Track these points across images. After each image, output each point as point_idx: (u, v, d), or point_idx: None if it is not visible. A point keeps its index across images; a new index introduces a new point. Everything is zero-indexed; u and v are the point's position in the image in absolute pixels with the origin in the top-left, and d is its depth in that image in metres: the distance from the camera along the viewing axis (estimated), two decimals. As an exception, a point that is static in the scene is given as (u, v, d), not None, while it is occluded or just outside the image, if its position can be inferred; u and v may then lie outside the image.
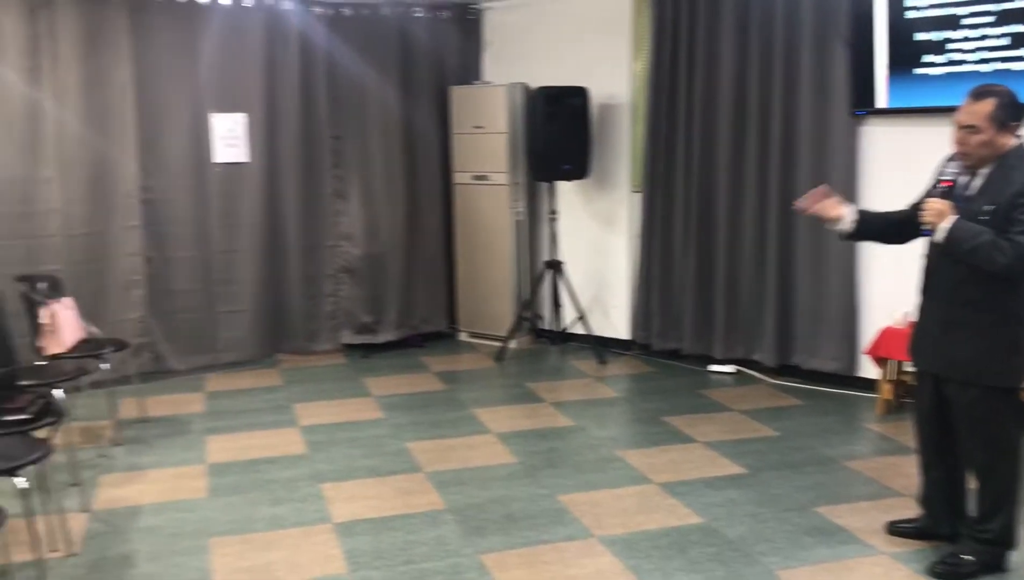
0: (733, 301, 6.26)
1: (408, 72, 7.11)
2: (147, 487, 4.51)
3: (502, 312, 7.12)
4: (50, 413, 3.97)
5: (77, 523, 4.05)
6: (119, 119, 6.11)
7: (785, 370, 6.11)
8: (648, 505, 4.23)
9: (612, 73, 6.72)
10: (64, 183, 5.95)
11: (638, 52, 6.63)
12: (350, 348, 7.10)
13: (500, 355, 6.85)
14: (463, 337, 7.45)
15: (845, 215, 3.68)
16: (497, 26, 7.37)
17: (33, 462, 3.41)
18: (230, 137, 6.53)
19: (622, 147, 6.79)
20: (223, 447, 5.06)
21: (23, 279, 5.19)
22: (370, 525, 4.04)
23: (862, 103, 5.55)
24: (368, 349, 7.06)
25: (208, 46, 6.39)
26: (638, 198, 6.68)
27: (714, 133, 6.22)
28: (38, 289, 5.08)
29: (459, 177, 7.25)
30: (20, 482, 3.33)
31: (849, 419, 5.43)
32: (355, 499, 4.33)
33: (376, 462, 4.82)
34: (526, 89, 6.98)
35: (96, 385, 5.30)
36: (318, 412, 5.66)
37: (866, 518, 4.01)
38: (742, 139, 6.11)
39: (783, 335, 6.06)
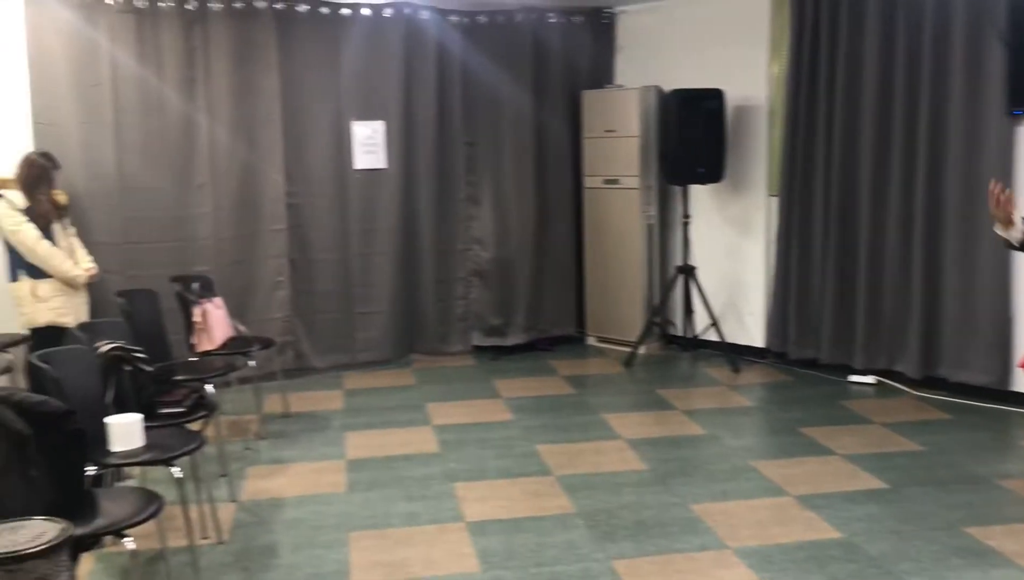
0: (875, 309, 6.02)
1: (541, 77, 7.17)
2: (290, 480, 4.70)
3: (632, 317, 7.07)
4: (203, 407, 4.19)
5: (225, 512, 4.25)
6: (266, 127, 6.39)
7: (930, 382, 5.84)
8: (784, 517, 4.12)
9: (749, 75, 6.58)
10: (215, 188, 6.27)
11: (776, 53, 6.48)
12: (480, 350, 7.20)
13: (629, 360, 6.81)
14: (591, 342, 7.44)
15: (1018, 224, 3.48)
16: (630, 29, 7.33)
17: (187, 453, 3.62)
18: (369, 144, 6.73)
19: (758, 150, 6.64)
20: (361, 443, 5.22)
21: (177, 279, 5.50)
22: (501, 526, 4.09)
23: (1020, 103, 5.25)
24: (497, 351, 7.14)
25: (349, 55, 6.61)
26: (775, 202, 6.53)
27: (856, 135, 6.01)
28: (191, 289, 5.38)
29: (590, 181, 7.25)
30: (176, 471, 3.54)
31: (1001, 435, 5.15)
32: (487, 499, 4.39)
33: (506, 463, 4.87)
34: (659, 92, 6.92)
35: (243, 381, 5.56)
36: (450, 412, 5.76)
37: (1022, 541, 3.79)
38: (886, 141, 5.88)
39: (929, 346, 5.79)
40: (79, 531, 2.62)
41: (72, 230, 5.35)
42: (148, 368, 3.95)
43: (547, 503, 4.33)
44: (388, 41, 6.70)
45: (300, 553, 3.85)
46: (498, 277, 7.17)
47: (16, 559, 2.25)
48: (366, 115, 6.70)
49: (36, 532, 2.38)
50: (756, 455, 4.96)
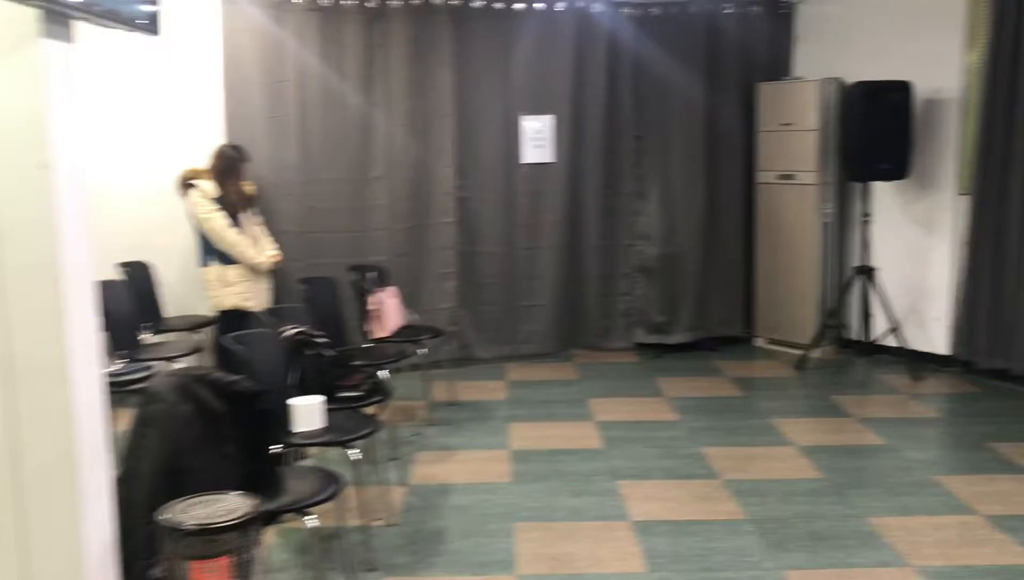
0: (1079, 319, 5.55)
1: (714, 69, 6.98)
2: (457, 467, 4.78)
3: (804, 319, 6.80)
4: (378, 392, 4.32)
5: (396, 495, 4.37)
6: (439, 122, 6.52)
7: None
8: (973, 538, 3.85)
9: (939, 66, 6.19)
10: (390, 181, 6.45)
11: (972, 42, 6.06)
12: (642, 347, 7.10)
13: (801, 364, 6.55)
14: (759, 343, 7.21)
15: None
16: (810, 19, 7.04)
17: (366, 436, 3.73)
18: (537, 138, 6.76)
19: (948, 146, 6.24)
20: (524, 435, 5.25)
21: (354, 269, 5.70)
22: (668, 527, 4.01)
23: None
24: (660, 349, 7.03)
25: (521, 50, 6.65)
26: (965, 201, 6.12)
27: (1063, 129, 5.55)
28: (367, 278, 5.55)
29: (763, 176, 7.01)
30: (353, 454, 3.65)
31: None
32: (652, 499, 4.32)
33: (672, 464, 4.78)
34: (841, 84, 6.61)
35: (412, 368, 5.69)
36: (613, 409, 5.71)
37: None
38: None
39: None
40: (268, 507, 2.74)
41: (258, 219, 5.63)
42: (329, 353, 4.10)
43: (715, 507, 4.22)
44: (560, 35, 6.70)
45: (467, 540, 3.91)
46: (663, 273, 7.05)
47: (213, 531, 2.38)
48: (536, 109, 6.72)
49: (231, 506, 2.50)
50: (940, 469, 4.66)
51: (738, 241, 7.20)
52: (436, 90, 6.49)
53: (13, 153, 2.15)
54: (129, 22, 2.50)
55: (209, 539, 2.37)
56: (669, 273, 7.06)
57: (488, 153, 6.70)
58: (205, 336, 5.53)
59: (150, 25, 2.61)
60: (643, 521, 4.08)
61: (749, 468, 4.70)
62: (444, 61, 6.47)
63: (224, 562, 2.39)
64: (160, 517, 2.44)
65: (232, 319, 5.12)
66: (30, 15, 2.12)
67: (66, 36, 2.25)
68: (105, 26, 2.42)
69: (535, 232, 6.85)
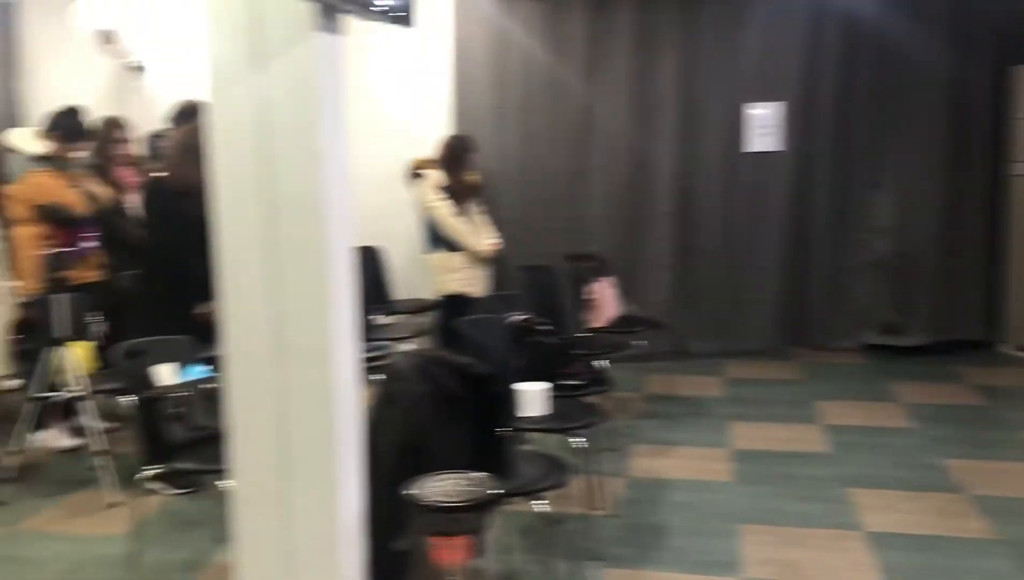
0: None
1: (961, 50, 6.42)
2: (675, 463, 4.68)
3: (1061, 324, 6.18)
4: (599, 382, 4.30)
5: (614, 487, 4.33)
6: (661, 111, 6.42)
7: None
8: None
9: None
10: (609, 171, 6.43)
11: None
12: (870, 348, 6.69)
13: (1055, 373, 5.97)
14: (1006, 349, 6.61)
15: None
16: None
17: (591, 425, 3.72)
18: (764, 126, 6.51)
19: None
20: (745, 434, 5.07)
21: (572, 258, 5.72)
22: (906, 541, 3.75)
23: None
24: (891, 351, 6.60)
25: (749, 35, 6.41)
26: None
27: None
28: (585, 267, 5.55)
29: (1019, 168, 6.41)
30: (578, 442, 3.65)
31: None
32: (887, 510, 4.06)
33: (908, 474, 4.47)
34: (1114, 65, 5.94)
35: (627, 359, 5.63)
36: (841, 412, 5.42)
37: None
38: None
39: None
40: (507, 489, 2.77)
41: (481, 208, 5.75)
42: (553, 340, 4.12)
43: (960, 524, 3.90)
44: (790, 17, 6.40)
45: (690, 538, 3.82)
46: (898, 270, 6.61)
47: (458, 509, 2.43)
48: (763, 96, 6.46)
49: (471, 486, 2.55)
50: None
51: (983, 237, 6.62)
52: (659, 78, 6.40)
53: (289, 142, 2.28)
54: (388, 14, 2.60)
55: (453, 516, 2.43)
56: (904, 270, 6.61)
57: (711, 142, 6.52)
58: (429, 319, 5.72)
59: (406, 17, 2.69)
60: (878, 532, 3.83)
61: (999, 484, 4.31)
62: (668, 48, 6.36)
63: (465, 540, 2.44)
64: (408, 492, 2.52)
65: (454, 304, 5.27)
66: (306, 9, 2.23)
67: (335, 28, 2.35)
68: (368, 19, 2.52)
69: (758, 223, 6.60)
